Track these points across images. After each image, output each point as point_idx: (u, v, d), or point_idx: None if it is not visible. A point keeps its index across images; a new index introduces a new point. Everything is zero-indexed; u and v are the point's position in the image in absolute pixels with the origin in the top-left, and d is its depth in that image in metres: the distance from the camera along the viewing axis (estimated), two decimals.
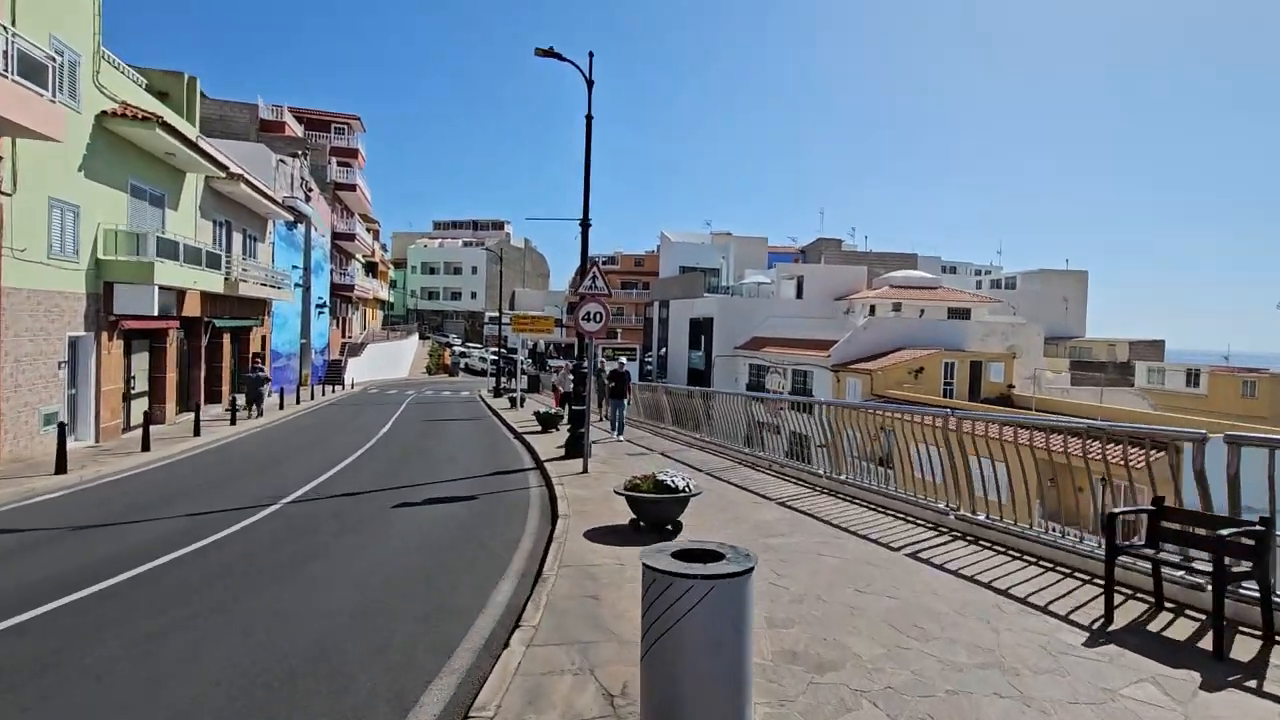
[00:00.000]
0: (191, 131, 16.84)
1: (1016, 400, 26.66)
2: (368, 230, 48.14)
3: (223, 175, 17.77)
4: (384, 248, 73.15)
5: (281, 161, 26.66)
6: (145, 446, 12.09)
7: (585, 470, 9.95)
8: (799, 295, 38.73)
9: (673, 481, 6.25)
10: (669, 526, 6.44)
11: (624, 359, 14.00)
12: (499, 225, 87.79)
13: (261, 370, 19.81)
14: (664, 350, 44.21)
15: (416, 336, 66.17)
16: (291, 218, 25.98)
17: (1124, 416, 22.09)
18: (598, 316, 9.96)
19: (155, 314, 13.80)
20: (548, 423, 16.02)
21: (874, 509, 7.60)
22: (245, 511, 7.85)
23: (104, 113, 12.93)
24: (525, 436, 15.01)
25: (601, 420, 16.45)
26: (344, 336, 44.71)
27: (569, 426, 11.85)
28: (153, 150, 14.87)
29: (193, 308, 17.71)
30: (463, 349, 64.67)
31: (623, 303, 72.07)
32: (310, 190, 30.21)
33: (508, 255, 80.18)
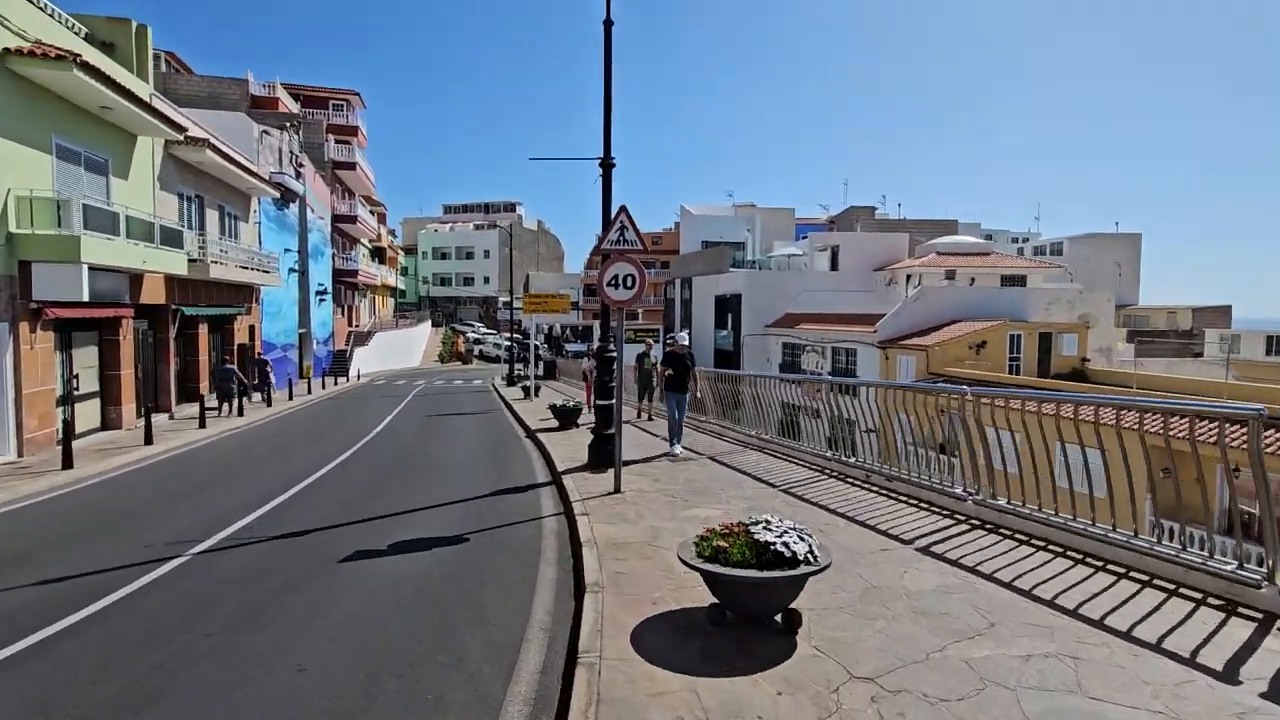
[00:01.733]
0: (141, 88, 14.35)
1: (1092, 375, 23.62)
2: (372, 213, 45.75)
3: (180, 139, 15.29)
4: (393, 233, 70.96)
5: (266, 133, 24.19)
6: (67, 463, 9.73)
7: (618, 490, 7.37)
8: (834, 267, 35.67)
9: (783, 543, 3.55)
10: (777, 617, 3.78)
11: (674, 336, 11.22)
12: (511, 207, 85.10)
13: (231, 365, 17.45)
14: (687, 331, 41.44)
15: (429, 324, 64.09)
16: (278, 194, 23.55)
17: (1213, 390, 19.05)
18: (629, 281, 7.33)
19: (87, 299, 11.40)
20: (565, 418, 13.48)
21: (1065, 555, 4.91)
22: (126, 573, 5.38)
23: (5, 50, 10.43)
24: (539, 435, 12.49)
25: (644, 418, 13.85)
26: (351, 325, 42.57)
27: (593, 426, 9.23)
28: (84, 104, 12.39)
29: (154, 293, 15.35)
30: (477, 335, 62.40)
31: None
32: (301, 166, 27.78)
33: (521, 238, 77.63)
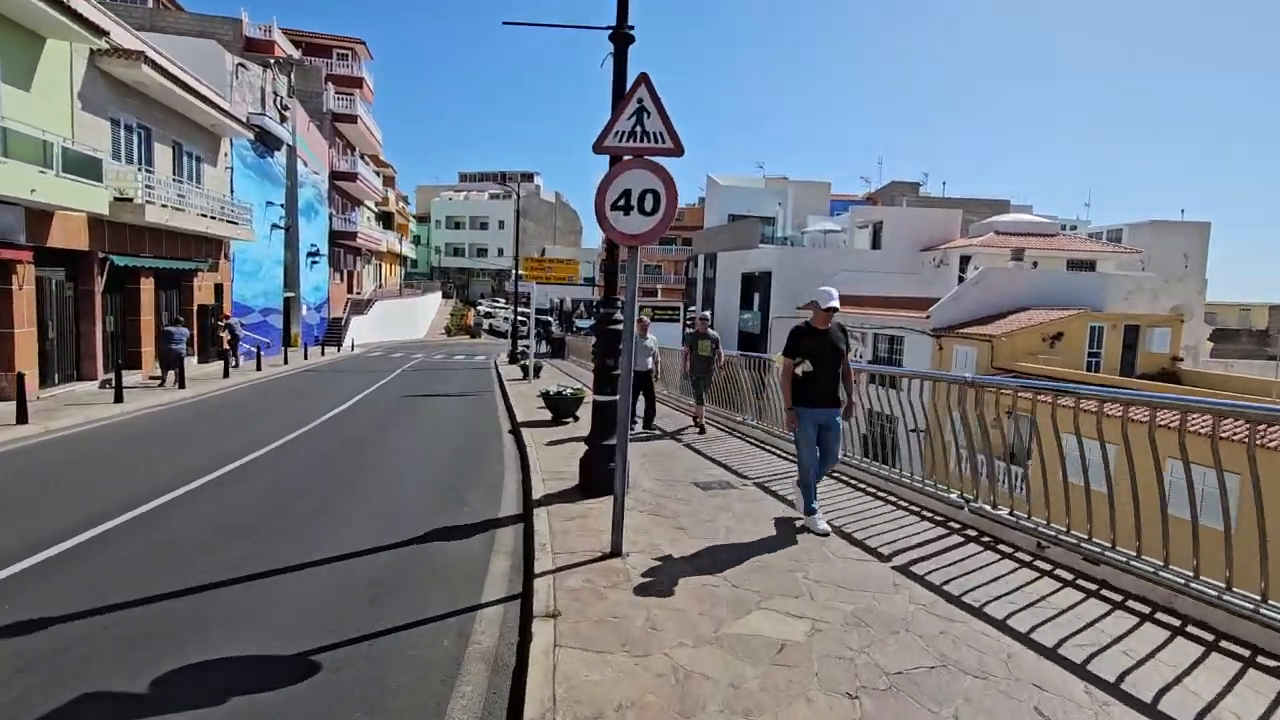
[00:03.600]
0: None
1: (1184, 377, 20.25)
2: (377, 173, 42.88)
3: (101, 45, 12.43)
4: (405, 199, 68.22)
5: (242, 66, 21.29)
6: None
7: (616, 553, 4.43)
8: (875, 245, 32.30)
9: None
10: None
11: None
12: (529, 177, 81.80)
13: (181, 326, 14.73)
14: (709, 312, 38.33)
15: (439, 294, 61.49)
16: (251, 137, 20.70)
17: None
18: (648, 201, 4.34)
19: None
20: (561, 409, 10.57)
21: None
22: None
23: None
24: (526, 432, 9.62)
25: (696, 431, 9.50)
26: (351, 293, 39.98)
27: (591, 433, 6.25)
28: None
29: (71, 237, 12.63)
30: (488, 309, 59.69)
31: (661, 259, 66.04)
32: (286, 110, 24.87)
33: (538, 210, 74.62)
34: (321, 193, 32.14)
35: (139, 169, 14.36)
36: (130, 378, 15.04)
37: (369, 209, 44.49)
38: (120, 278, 14.84)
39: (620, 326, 5.95)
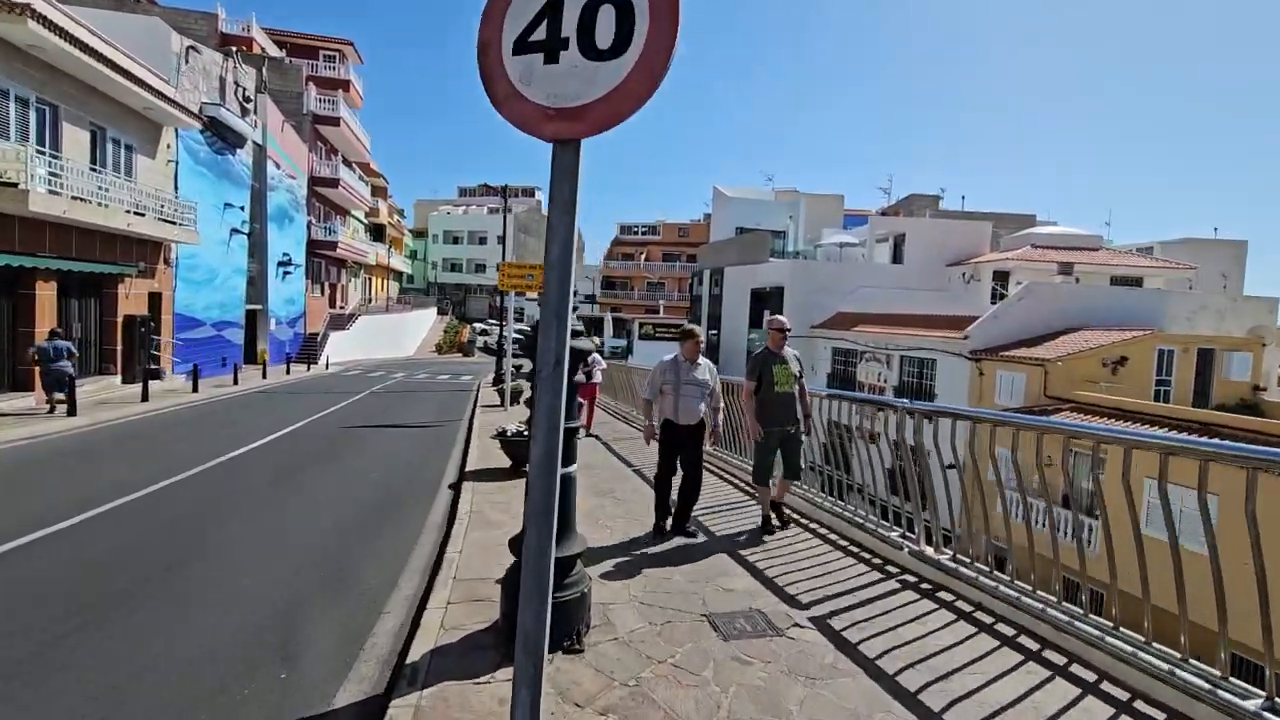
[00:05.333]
0: None
1: (1268, 409, 17.45)
2: (365, 181, 40.63)
3: None
4: (400, 213, 66.25)
5: (193, 49, 18.95)
6: None
7: None
8: (896, 259, 29.74)
9: None
10: None
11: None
12: (530, 192, 79.81)
13: (59, 340, 12.08)
14: (715, 332, 35.77)
15: (434, 310, 59.11)
16: (198, 126, 18.29)
17: None
18: (614, 22, 1.66)
19: None
20: (520, 458, 7.89)
21: None
22: None
23: None
24: (470, 488, 6.94)
25: (776, 524, 5.51)
26: (335, 307, 37.51)
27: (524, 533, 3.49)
28: None
29: None
30: (484, 327, 57.25)
31: (665, 276, 63.71)
32: (249, 101, 22.53)
33: (538, 226, 72.34)
34: (298, 198, 29.80)
35: (22, 146, 11.85)
36: (19, 402, 12.44)
37: (357, 219, 42.22)
38: (7, 280, 12.29)
39: (581, 348, 3.33)
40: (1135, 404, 15.56)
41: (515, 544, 3.43)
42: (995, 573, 3.91)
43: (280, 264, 27.63)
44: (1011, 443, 3.86)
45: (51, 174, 12.78)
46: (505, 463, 8.13)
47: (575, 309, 3.63)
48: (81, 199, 13.34)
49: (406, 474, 8.49)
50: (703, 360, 5.34)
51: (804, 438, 5.53)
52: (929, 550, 4.40)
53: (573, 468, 3.46)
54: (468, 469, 8.20)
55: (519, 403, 16.34)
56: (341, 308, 38.48)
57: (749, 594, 4.08)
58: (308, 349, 30.94)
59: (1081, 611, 3.31)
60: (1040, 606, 3.47)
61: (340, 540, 5.58)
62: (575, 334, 3.36)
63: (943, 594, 4.09)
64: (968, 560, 4.12)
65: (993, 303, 25.13)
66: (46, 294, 13.16)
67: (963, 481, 4.13)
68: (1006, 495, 3.69)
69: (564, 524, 3.38)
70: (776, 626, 3.61)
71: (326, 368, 29.17)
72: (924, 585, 4.23)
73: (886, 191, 43.37)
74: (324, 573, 4.77)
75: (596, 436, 10.72)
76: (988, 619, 3.71)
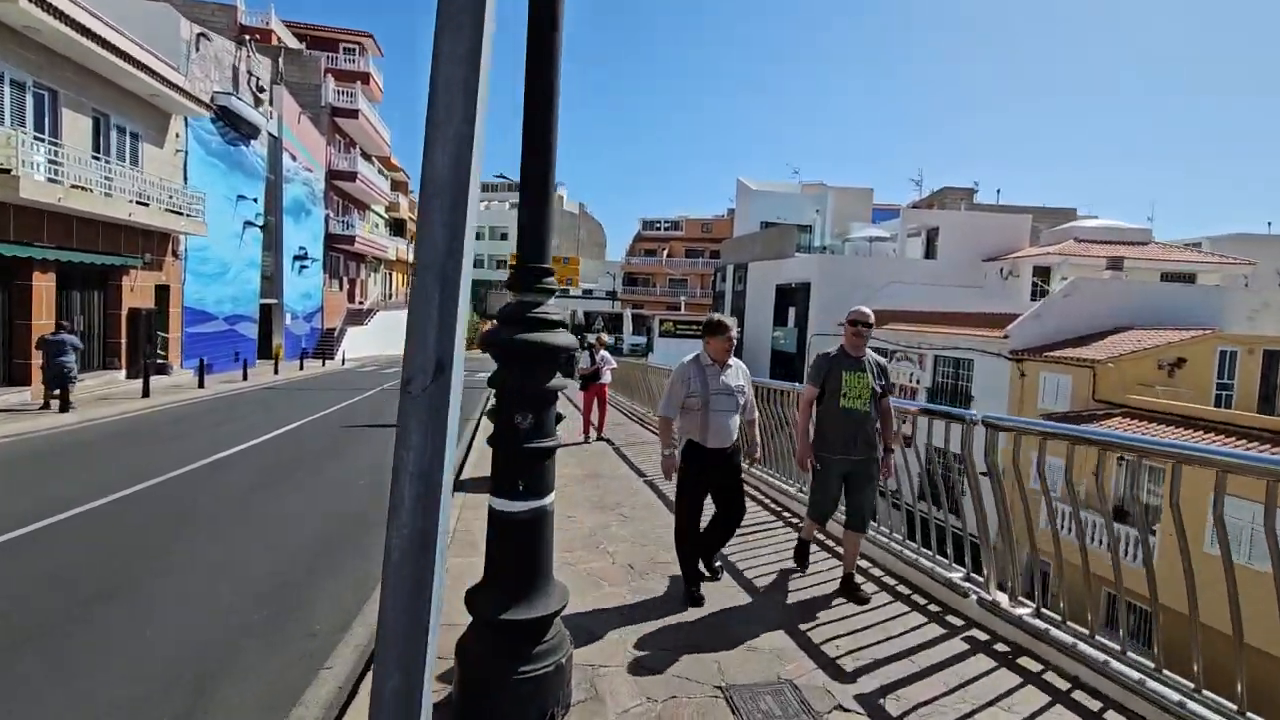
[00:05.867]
0: None
1: None
2: (384, 175, 40.35)
3: None
4: None
5: (204, 37, 18.54)
6: None
7: None
8: (929, 254, 28.47)
9: None
10: None
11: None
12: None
13: (68, 333, 11.65)
14: (739, 330, 34.74)
15: None
16: (207, 114, 17.86)
17: None
18: None
19: None
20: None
21: None
22: None
23: None
24: (467, 501, 6.18)
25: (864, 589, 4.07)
26: (353, 302, 37.28)
27: (485, 579, 2.65)
28: None
29: None
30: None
31: (687, 273, 62.72)
32: (263, 92, 22.13)
33: (561, 222, 71.71)
34: (315, 192, 29.49)
35: (12, 131, 11.37)
36: (14, 397, 12.04)
37: (377, 214, 41.99)
38: (4, 271, 11.88)
39: (556, 344, 2.52)
40: (1195, 410, 14.32)
41: (472, 600, 2.62)
42: (1099, 639, 3.01)
43: (296, 258, 27.32)
44: (1068, 454, 3.01)
45: (51, 161, 12.37)
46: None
47: (558, 293, 2.82)
48: (82, 187, 12.91)
49: (349, 508, 7.78)
50: (734, 361, 3.96)
51: (880, 476, 3.98)
52: (1003, 601, 3.51)
53: (548, 499, 2.65)
54: (462, 476, 7.46)
55: None
56: (360, 303, 38.25)
57: (777, 655, 3.23)
58: (325, 344, 30.66)
59: (1236, 708, 2.41)
60: (1176, 697, 2.56)
61: (300, 566, 4.85)
62: (550, 324, 2.55)
63: (1026, 660, 3.20)
64: (1058, 619, 3.22)
65: (1033, 300, 23.81)
66: (44, 285, 12.73)
67: (1003, 498, 3.26)
68: (1056, 511, 2.79)
69: (533, 574, 2.57)
70: (813, 709, 2.76)
71: (342, 363, 28.83)
72: (999, 647, 3.34)
73: (918, 184, 41.87)
74: (269, 611, 4.03)
75: (608, 440, 9.92)
76: (1094, 704, 2.82)
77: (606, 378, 10.19)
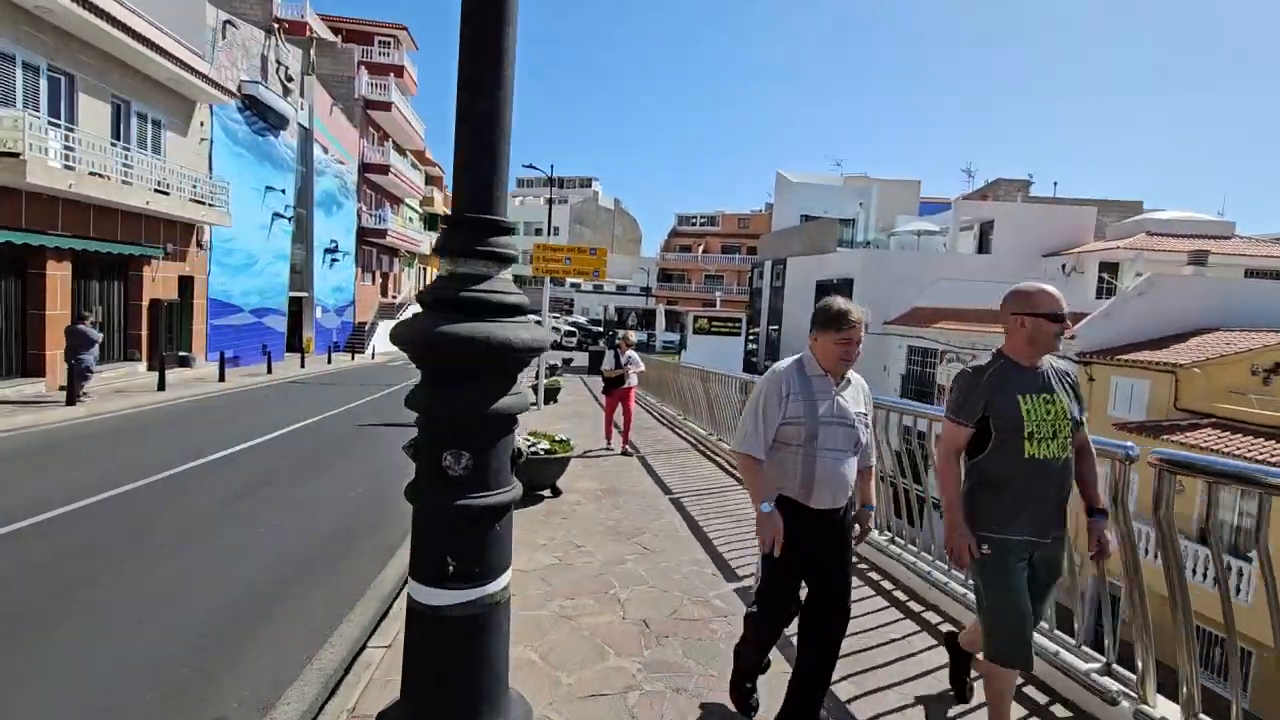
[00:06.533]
0: None
1: None
2: (418, 168, 40.15)
3: None
4: None
5: (230, 24, 18.20)
6: None
7: None
8: (983, 249, 26.81)
9: None
10: None
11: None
12: (586, 182, 79.00)
13: (87, 324, 11.27)
14: (776, 328, 33.54)
15: None
16: (231, 102, 17.50)
17: None
18: None
19: None
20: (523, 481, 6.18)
21: None
22: None
23: None
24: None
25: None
26: (386, 296, 37.18)
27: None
28: None
29: None
30: (538, 319, 56.43)
31: (723, 269, 61.44)
32: (292, 82, 21.80)
33: (596, 217, 71.27)
34: (348, 184, 29.27)
35: (24, 114, 10.98)
36: (28, 388, 11.72)
37: (411, 208, 41.87)
38: (14, 260, 11.55)
39: (502, 301, 1.58)
40: None
41: None
42: None
43: (327, 251, 27.10)
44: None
45: (66, 148, 12.01)
46: None
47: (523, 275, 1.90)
48: (99, 175, 12.54)
49: (393, 492, 6.98)
50: (854, 375, 2.57)
51: (1077, 561, 2.83)
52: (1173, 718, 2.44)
53: (497, 585, 1.71)
54: None
55: (555, 400, 14.83)
56: (393, 297, 38.13)
57: None
58: (356, 338, 30.49)
59: None
60: None
61: (251, 606, 4.03)
62: (500, 307, 1.62)
63: None
64: None
65: (1098, 299, 22.07)
66: (59, 274, 12.40)
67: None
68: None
69: (472, 698, 1.65)
70: None
71: (373, 357, 28.57)
72: None
73: (970, 174, 39.79)
74: (191, 668, 3.20)
75: (632, 449, 8.93)
76: None
77: (633, 380, 9.10)
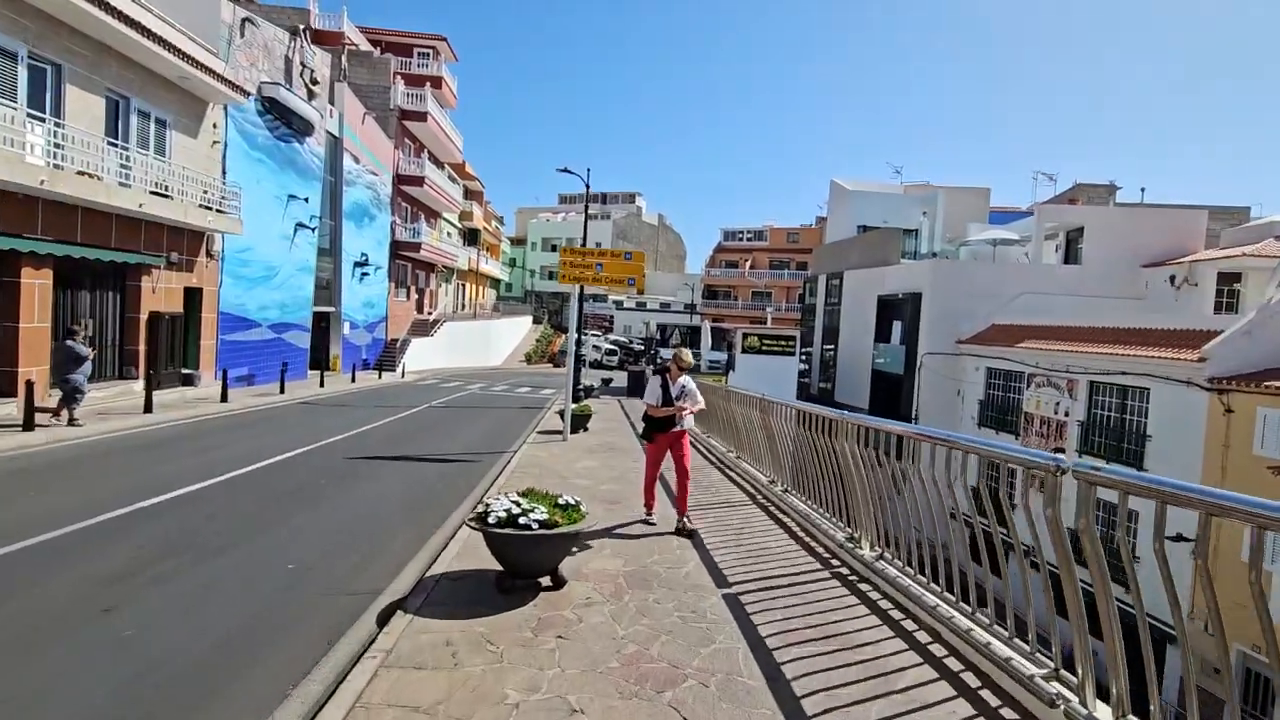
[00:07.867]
0: None
1: None
2: (454, 181, 39.29)
3: None
4: (500, 219, 65.72)
5: (249, 22, 17.18)
6: None
7: None
8: (1069, 259, 23.89)
9: None
10: None
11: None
12: (630, 198, 77.79)
13: (76, 340, 9.93)
14: (831, 348, 31.02)
15: (529, 319, 57.68)
16: (245, 102, 16.37)
17: None
18: None
19: None
20: (516, 565, 4.21)
21: None
22: None
23: None
24: (425, 631, 3.35)
25: None
26: (421, 312, 36.18)
27: None
28: None
29: None
30: (578, 337, 54.93)
31: (772, 284, 58.99)
32: (316, 85, 20.78)
33: (639, 233, 69.79)
34: (381, 196, 28.32)
35: (39, 118, 9.77)
36: (0, 409, 10.41)
37: (449, 222, 41.04)
38: None
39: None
40: None
41: None
42: None
43: (357, 264, 26.05)
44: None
45: (56, 145, 10.83)
46: (497, 564, 4.51)
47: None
48: (89, 174, 11.33)
49: (353, 561, 5.09)
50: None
51: None
52: None
53: None
54: (433, 571, 4.67)
55: (586, 429, 12.88)
56: (429, 313, 37.13)
57: None
58: (387, 355, 29.36)
59: None
60: None
61: None
62: None
63: None
64: None
65: (1217, 314, 19.02)
66: (38, 282, 11.16)
67: None
68: None
69: None
70: None
71: (402, 376, 27.28)
72: None
73: (1052, 179, 36.67)
74: None
75: (689, 526, 5.88)
76: None
77: (689, 423, 6.23)
